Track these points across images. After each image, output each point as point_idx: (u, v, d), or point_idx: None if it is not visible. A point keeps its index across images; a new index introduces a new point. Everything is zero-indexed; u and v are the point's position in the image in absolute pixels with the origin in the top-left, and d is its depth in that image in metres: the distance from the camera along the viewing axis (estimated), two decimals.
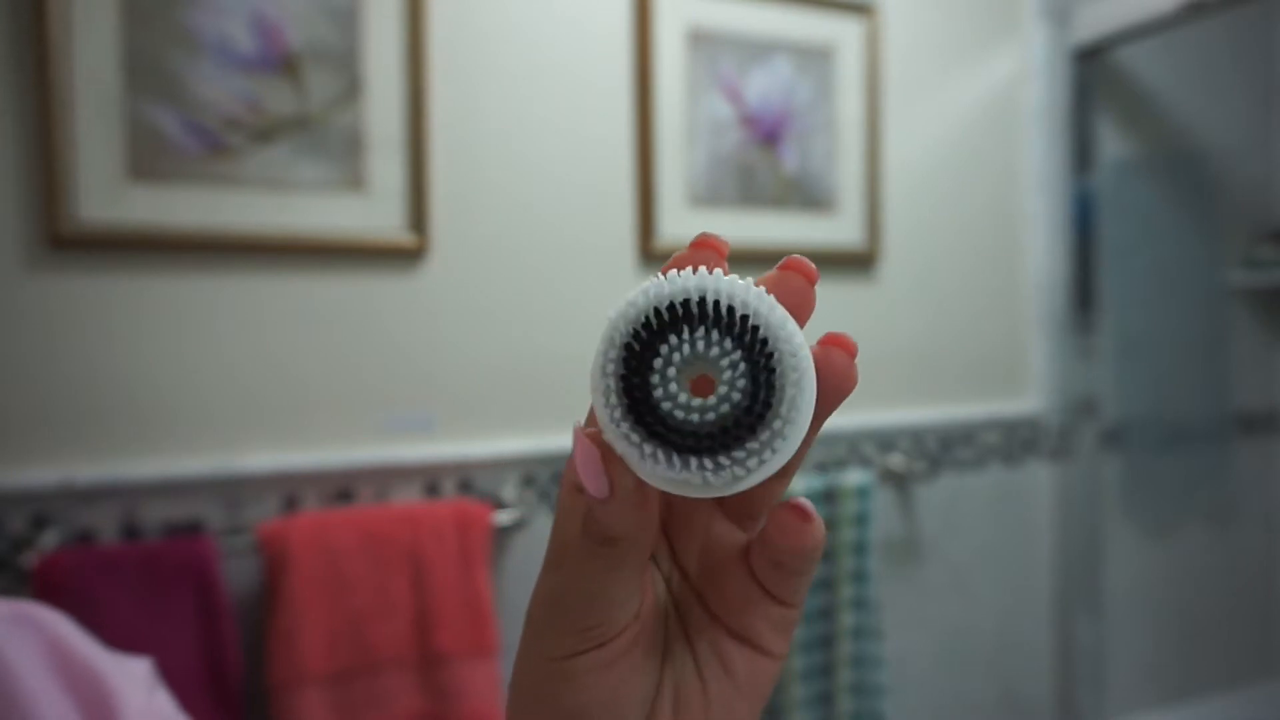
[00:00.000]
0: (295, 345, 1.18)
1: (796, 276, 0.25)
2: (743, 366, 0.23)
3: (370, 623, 1.13)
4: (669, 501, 0.29)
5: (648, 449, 0.23)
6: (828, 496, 1.42)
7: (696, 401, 0.23)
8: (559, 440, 1.31)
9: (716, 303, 0.23)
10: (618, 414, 0.23)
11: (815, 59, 1.46)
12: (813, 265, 0.25)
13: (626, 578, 0.26)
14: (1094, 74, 1.70)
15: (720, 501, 0.29)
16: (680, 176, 1.37)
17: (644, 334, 0.23)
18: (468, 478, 1.26)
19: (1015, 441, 1.67)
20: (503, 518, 1.23)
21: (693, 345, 0.23)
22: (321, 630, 1.10)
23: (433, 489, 1.24)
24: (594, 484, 0.24)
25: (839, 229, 1.49)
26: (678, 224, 1.37)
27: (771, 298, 0.23)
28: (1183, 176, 1.87)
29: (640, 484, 0.24)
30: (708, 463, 0.23)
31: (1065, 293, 1.69)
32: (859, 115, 1.50)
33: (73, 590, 1.01)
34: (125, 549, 1.05)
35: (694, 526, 0.29)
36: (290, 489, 1.17)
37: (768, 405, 0.23)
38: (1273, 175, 1.99)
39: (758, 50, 1.42)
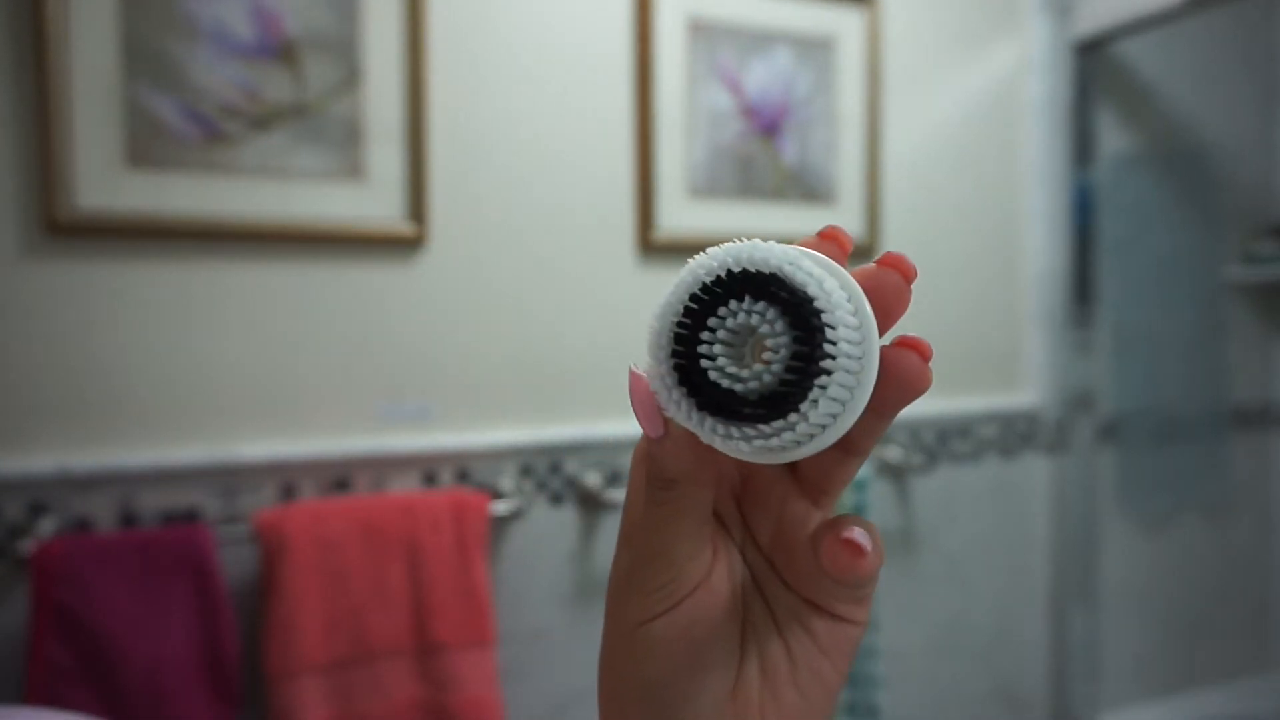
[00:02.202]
0: (293, 334, 1.18)
1: (893, 273, 0.25)
2: (784, 352, 0.23)
3: (367, 612, 1.13)
4: (744, 474, 0.30)
5: (696, 417, 0.24)
6: None
7: (745, 372, 0.23)
8: (557, 430, 1.31)
9: (779, 278, 0.23)
10: (665, 369, 0.24)
11: (815, 50, 1.46)
12: (911, 263, 0.25)
13: (689, 529, 0.27)
14: (1095, 67, 1.70)
15: (795, 476, 0.29)
16: (680, 167, 1.37)
17: (697, 306, 0.24)
18: (465, 467, 1.26)
19: (1012, 434, 1.67)
20: (500, 507, 1.23)
21: (749, 315, 0.23)
22: (319, 619, 1.10)
23: (430, 478, 1.25)
24: (649, 423, 0.25)
25: (838, 221, 1.48)
26: (677, 215, 1.37)
27: (857, 292, 0.24)
28: (1182, 171, 1.87)
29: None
30: (747, 430, 0.23)
31: (1064, 286, 1.69)
32: (859, 107, 1.50)
33: (69, 578, 1.01)
34: (122, 537, 1.05)
35: (769, 500, 0.30)
36: (287, 478, 1.17)
37: (810, 384, 0.23)
38: (1272, 171, 1.99)
39: (758, 41, 1.41)
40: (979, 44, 1.62)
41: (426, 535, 1.16)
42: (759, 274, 0.23)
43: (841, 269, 0.24)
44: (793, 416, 0.23)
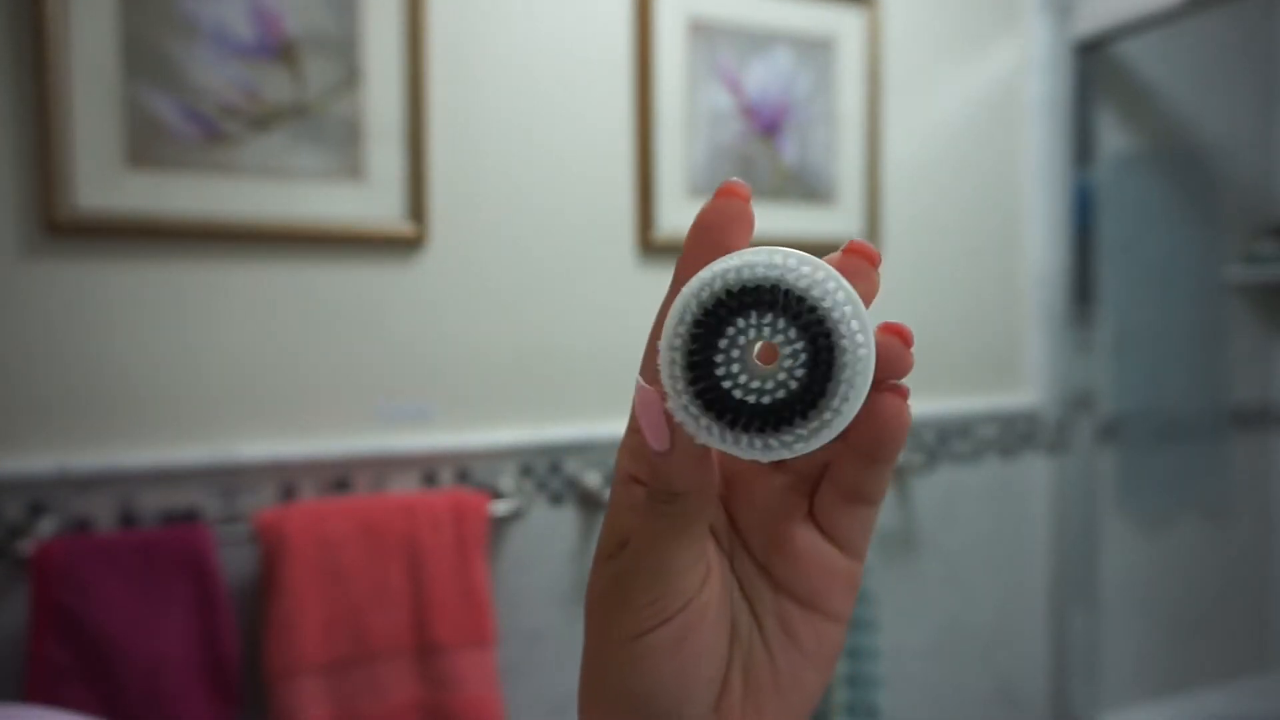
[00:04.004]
0: (293, 334, 1.18)
1: (859, 260, 0.26)
2: (803, 357, 0.24)
3: (367, 612, 1.13)
4: (727, 477, 0.30)
5: (704, 422, 0.24)
6: None
7: (755, 384, 0.24)
8: (557, 430, 1.31)
9: (787, 291, 0.24)
10: (679, 385, 0.24)
11: (815, 50, 1.46)
12: (875, 249, 0.26)
13: (689, 543, 0.27)
14: (1095, 67, 1.70)
15: (779, 467, 0.30)
16: (680, 167, 1.37)
17: (715, 311, 0.24)
18: (465, 467, 1.26)
19: (1012, 435, 1.67)
20: (500, 508, 1.23)
21: (759, 330, 0.24)
22: (318, 619, 1.10)
23: (430, 479, 1.25)
24: (655, 436, 0.25)
25: (838, 221, 1.48)
26: (677, 215, 1.37)
27: (845, 285, 0.24)
28: (1183, 171, 1.87)
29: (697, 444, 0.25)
30: (760, 442, 0.24)
31: (1064, 286, 1.69)
32: (859, 107, 1.50)
33: (69, 578, 1.01)
34: (122, 537, 1.05)
35: (754, 495, 0.30)
36: (287, 478, 1.17)
37: (823, 391, 0.24)
38: (1273, 170, 1.99)
39: (758, 41, 1.41)
40: (979, 44, 1.62)
41: (426, 535, 1.16)
42: (759, 288, 0.24)
43: (822, 262, 0.25)
44: (827, 414, 0.24)
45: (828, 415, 0.24)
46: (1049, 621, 1.73)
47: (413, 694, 1.14)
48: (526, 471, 1.30)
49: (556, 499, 1.32)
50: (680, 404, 0.24)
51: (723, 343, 0.24)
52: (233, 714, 1.08)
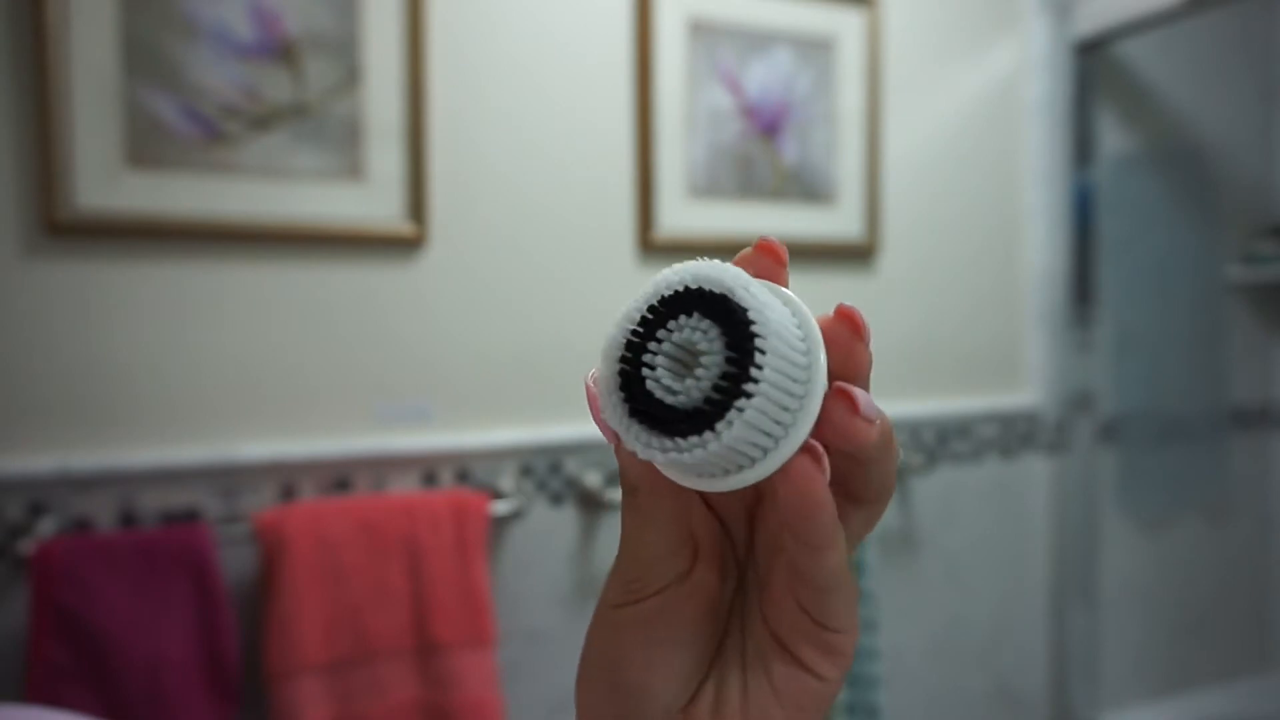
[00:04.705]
0: (293, 334, 1.18)
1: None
2: (715, 369, 0.23)
3: (367, 612, 1.13)
4: (760, 494, 0.29)
5: (623, 416, 0.25)
6: None
7: (679, 385, 0.24)
8: (557, 430, 1.31)
9: (706, 291, 0.24)
10: (609, 373, 0.25)
11: (815, 50, 1.46)
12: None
13: (654, 535, 0.28)
14: (1094, 68, 1.70)
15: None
16: (680, 167, 1.37)
17: (643, 327, 0.25)
18: (465, 467, 1.26)
19: (1012, 435, 1.67)
20: (500, 507, 1.23)
21: (691, 331, 0.24)
22: (318, 619, 1.10)
23: (430, 479, 1.25)
24: (603, 429, 0.26)
25: (838, 221, 1.48)
26: (677, 215, 1.37)
27: (804, 323, 0.24)
28: (1182, 171, 1.87)
29: None
30: (664, 442, 0.24)
31: (1064, 286, 1.69)
32: (859, 107, 1.50)
33: (69, 578, 1.01)
34: (122, 536, 1.05)
35: (767, 519, 0.29)
36: (287, 478, 1.17)
37: (731, 405, 0.23)
38: (1272, 171, 1.99)
39: (758, 41, 1.41)
40: (979, 45, 1.62)
41: (426, 535, 1.16)
42: (711, 293, 0.24)
43: (809, 315, 0.25)
44: (706, 434, 0.23)
45: (718, 440, 0.23)
46: (1049, 621, 1.73)
47: (413, 694, 1.14)
48: (526, 471, 1.30)
49: (556, 499, 1.32)
50: (604, 376, 0.25)
51: (660, 333, 0.25)
52: (233, 714, 1.08)
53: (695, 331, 0.24)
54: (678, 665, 0.28)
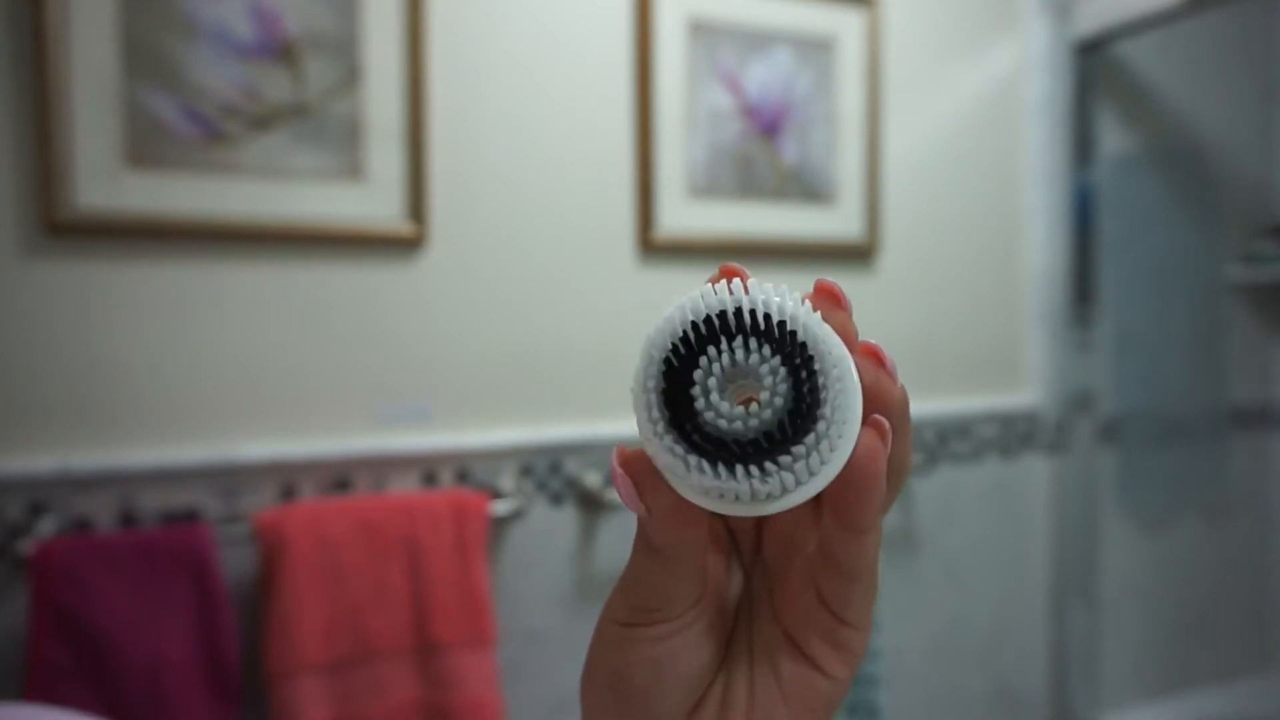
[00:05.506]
0: (293, 334, 1.18)
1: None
2: (783, 371, 0.22)
3: (367, 612, 1.13)
4: None
5: (692, 460, 0.23)
6: None
7: (740, 410, 0.23)
8: (557, 430, 1.31)
9: (753, 312, 0.23)
10: (660, 427, 0.23)
11: (815, 50, 1.46)
12: (843, 291, 0.25)
13: (677, 580, 0.27)
14: (1095, 68, 1.70)
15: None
16: (680, 167, 1.37)
17: (683, 348, 0.23)
18: (465, 467, 1.26)
19: (1012, 435, 1.67)
20: (500, 507, 1.23)
21: (732, 355, 0.23)
22: (318, 619, 1.10)
23: (430, 479, 1.25)
24: (630, 504, 0.25)
25: (838, 221, 1.48)
26: (677, 215, 1.37)
27: (808, 304, 0.23)
28: (1182, 171, 1.87)
29: (678, 504, 0.24)
30: (754, 470, 0.23)
31: (1064, 286, 1.69)
32: (859, 107, 1.50)
33: (69, 578, 1.01)
34: (122, 537, 1.05)
35: (785, 526, 0.29)
36: (287, 478, 1.17)
37: (812, 408, 0.23)
38: (1272, 170, 1.99)
39: (758, 41, 1.41)
40: (979, 44, 1.62)
41: (426, 535, 1.16)
42: (722, 317, 0.23)
43: (786, 290, 0.24)
44: (811, 438, 0.22)
45: (821, 433, 0.22)
46: (1049, 621, 1.73)
47: (413, 694, 1.14)
48: (526, 471, 1.30)
49: (556, 499, 1.32)
50: (663, 446, 0.23)
51: (697, 374, 0.23)
52: (233, 714, 1.08)
53: (753, 354, 0.23)
54: (687, 668, 0.28)
